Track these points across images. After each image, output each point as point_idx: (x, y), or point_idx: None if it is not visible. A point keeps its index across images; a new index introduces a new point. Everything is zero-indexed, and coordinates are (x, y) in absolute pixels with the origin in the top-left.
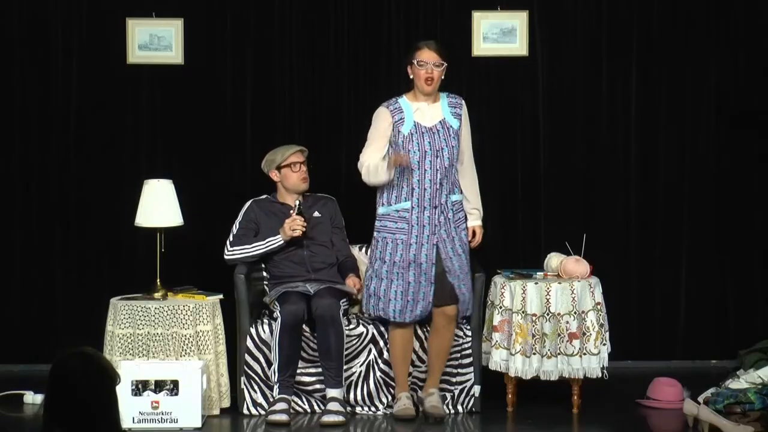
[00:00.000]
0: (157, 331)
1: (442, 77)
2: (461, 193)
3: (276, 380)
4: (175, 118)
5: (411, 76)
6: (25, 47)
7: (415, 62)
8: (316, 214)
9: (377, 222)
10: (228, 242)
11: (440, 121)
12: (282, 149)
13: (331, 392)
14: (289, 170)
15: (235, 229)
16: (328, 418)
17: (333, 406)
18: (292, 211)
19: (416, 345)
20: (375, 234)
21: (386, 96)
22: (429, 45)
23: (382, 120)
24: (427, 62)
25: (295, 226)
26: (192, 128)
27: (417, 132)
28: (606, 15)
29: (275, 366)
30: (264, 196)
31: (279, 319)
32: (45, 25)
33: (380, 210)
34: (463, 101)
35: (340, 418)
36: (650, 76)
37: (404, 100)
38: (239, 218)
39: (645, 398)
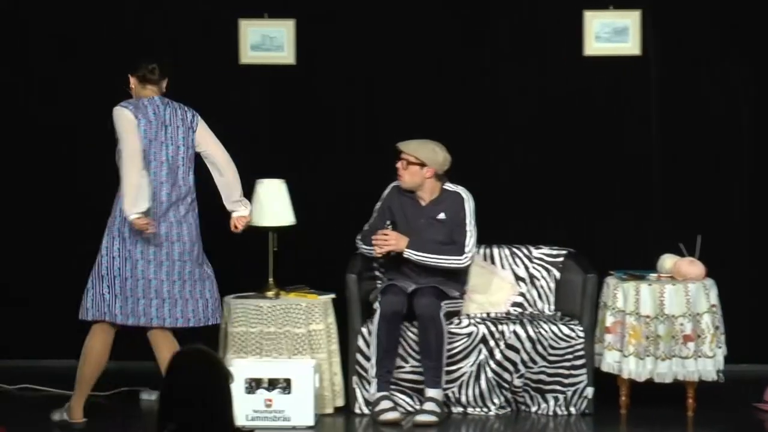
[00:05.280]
0: (270, 329)
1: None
2: None
3: (374, 374)
4: (287, 118)
5: None
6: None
7: None
8: (441, 216)
9: None
10: (362, 230)
11: None
12: None
13: (429, 392)
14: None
15: (372, 217)
16: (421, 418)
17: (428, 405)
18: None
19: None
20: None
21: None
22: None
23: None
24: None
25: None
26: (303, 128)
27: None
28: (720, 16)
29: (373, 360)
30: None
31: (378, 311)
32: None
33: None
34: None
35: (433, 418)
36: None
37: None
38: (379, 202)
39: (761, 402)
